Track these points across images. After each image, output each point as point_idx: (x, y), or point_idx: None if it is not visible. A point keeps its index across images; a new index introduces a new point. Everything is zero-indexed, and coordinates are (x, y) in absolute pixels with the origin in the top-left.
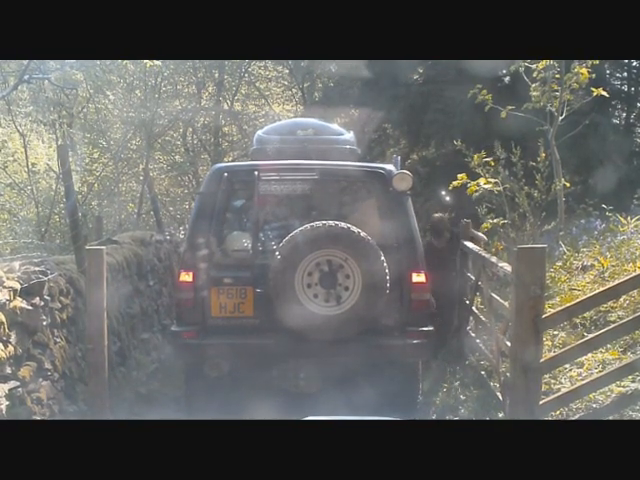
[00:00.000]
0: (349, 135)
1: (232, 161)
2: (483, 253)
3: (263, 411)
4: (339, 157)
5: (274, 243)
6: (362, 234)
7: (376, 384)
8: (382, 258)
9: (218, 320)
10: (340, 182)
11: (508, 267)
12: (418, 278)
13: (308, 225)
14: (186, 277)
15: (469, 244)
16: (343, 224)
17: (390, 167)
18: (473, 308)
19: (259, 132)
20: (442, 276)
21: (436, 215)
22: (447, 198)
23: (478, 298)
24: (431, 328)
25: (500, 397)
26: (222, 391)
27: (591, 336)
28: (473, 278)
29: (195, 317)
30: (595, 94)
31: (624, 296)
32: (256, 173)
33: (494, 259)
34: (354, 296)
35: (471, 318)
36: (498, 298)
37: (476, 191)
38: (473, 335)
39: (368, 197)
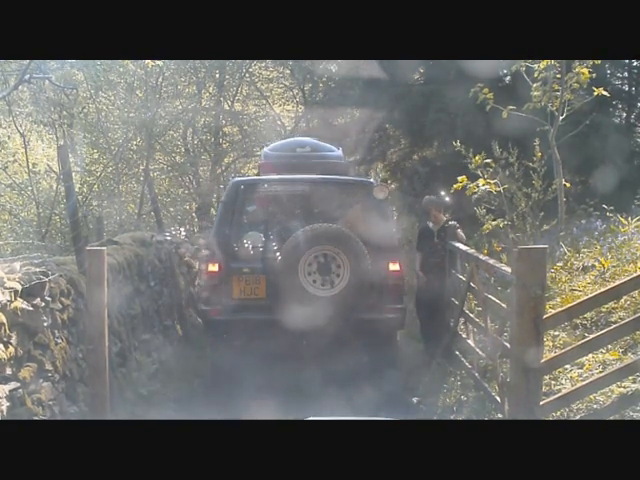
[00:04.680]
0: (339, 152)
1: (232, 161)
2: (477, 254)
3: (275, 371)
4: (331, 170)
5: (281, 240)
6: (350, 233)
7: (364, 347)
8: (365, 252)
9: (238, 301)
10: (333, 192)
11: (505, 268)
12: (394, 267)
13: (308, 227)
14: (213, 268)
15: (458, 244)
16: (335, 226)
17: (372, 180)
18: (464, 309)
19: (265, 149)
20: (438, 266)
21: (427, 197)
22: (447, 198)
23: (471, 300)
24: (403, 306)
25: (498, 399)
26: (241, 356)
27: (592, 337)
28: (463, 279)
29: (220, 298)
30: (596, 94)
31: (625, 297)
32: (266, 185)
33: (491, 260)
34: (344, 281)
35: (462, 319)
36: (495, 299)
37: (475, 192)
38: (464, 336)
39: (355, 204)
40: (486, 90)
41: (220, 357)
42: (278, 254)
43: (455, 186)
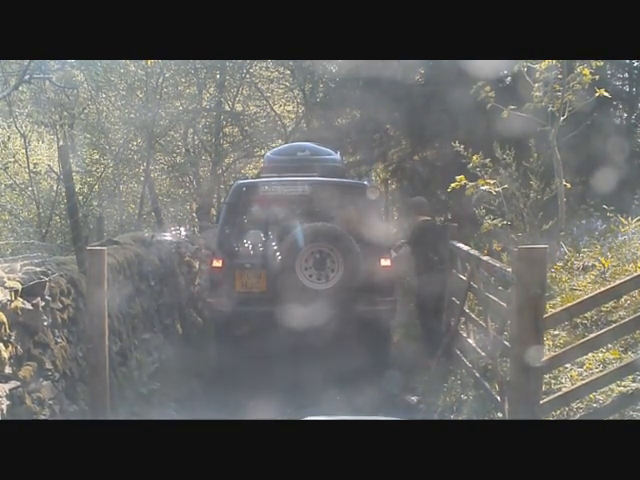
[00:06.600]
0: (336, 155)
1: (233, 162)
2: (477, 253)
3: (274, 360)
4: (329, 172)
5: (280, 238)
6: (343, 231)
7: (358, 336)
8: (358, 248)
9: (240, 294)
10: (329, 193)
11: (503, 266)
12: (385, 262)
13: (306, 225)
14: (217, 263)
15: (459, 244)
16: (330, 224)
17: (365, 182)
18: (465, 308)
19: (268, 153)
20: (429, 263)
21: (414, 198)
22: (443, 198)
23: (471, 299)
24: (394, 298)
25: (498, 398)
26: (243, 345)
27: (592, 336)
28: (464, 278)
29: (224, 291)
30: (597, 95)
31: (625, 296)
32: (266, 187)
33: (493, 261)
34: (338, 275)
35: (462, 319)
36: (495, 298)
37: (474, 193)
38: (465, 335)
39: (350, 204)
40: (487, 88)
41: (223, 346)
42: (277, 251)
43: (453, 185)
